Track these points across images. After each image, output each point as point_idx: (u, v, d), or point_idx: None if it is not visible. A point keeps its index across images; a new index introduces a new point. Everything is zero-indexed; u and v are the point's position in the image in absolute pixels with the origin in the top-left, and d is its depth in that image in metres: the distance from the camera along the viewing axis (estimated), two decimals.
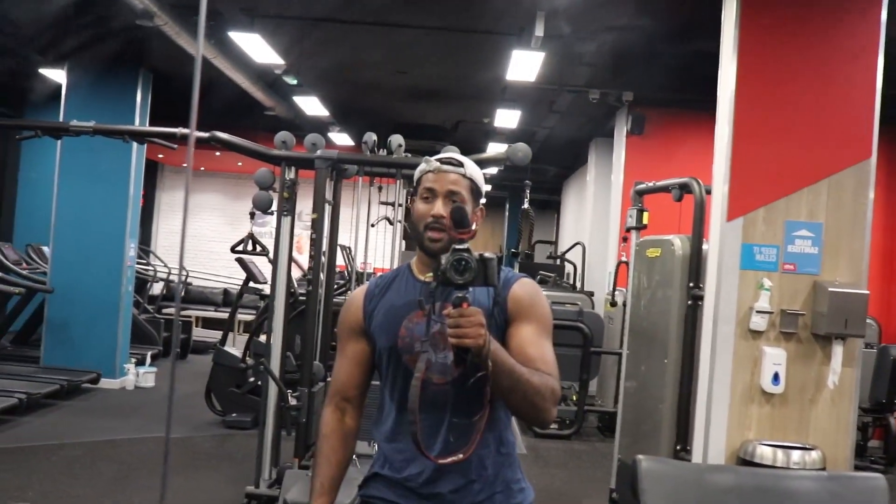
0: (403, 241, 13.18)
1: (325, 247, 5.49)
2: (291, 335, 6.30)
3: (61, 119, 8.86)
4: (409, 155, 5.79)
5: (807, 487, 2.69)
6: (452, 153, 2.29)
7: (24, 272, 9.37)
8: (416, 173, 2.25)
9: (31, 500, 5.34)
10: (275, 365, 5.47)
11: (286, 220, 5.39)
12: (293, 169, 5.40)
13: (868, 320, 8.72)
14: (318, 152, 5.26)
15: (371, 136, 5.57)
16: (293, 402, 5.18)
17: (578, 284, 11.56)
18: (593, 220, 11.51)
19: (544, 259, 15.34)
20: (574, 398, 8.54)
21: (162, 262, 13.68)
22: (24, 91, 11.29)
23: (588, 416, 8.79)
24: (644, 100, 9.40)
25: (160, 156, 15.74)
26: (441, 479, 2.15)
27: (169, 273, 13.48)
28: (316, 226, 5.22)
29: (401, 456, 2.20)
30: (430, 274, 2.06)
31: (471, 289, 1.97)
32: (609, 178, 10.39)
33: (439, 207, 2.16)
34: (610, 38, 7.86)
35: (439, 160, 2.22)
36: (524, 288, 2.20)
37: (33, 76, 10.24)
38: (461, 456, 2.09)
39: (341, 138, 13.13)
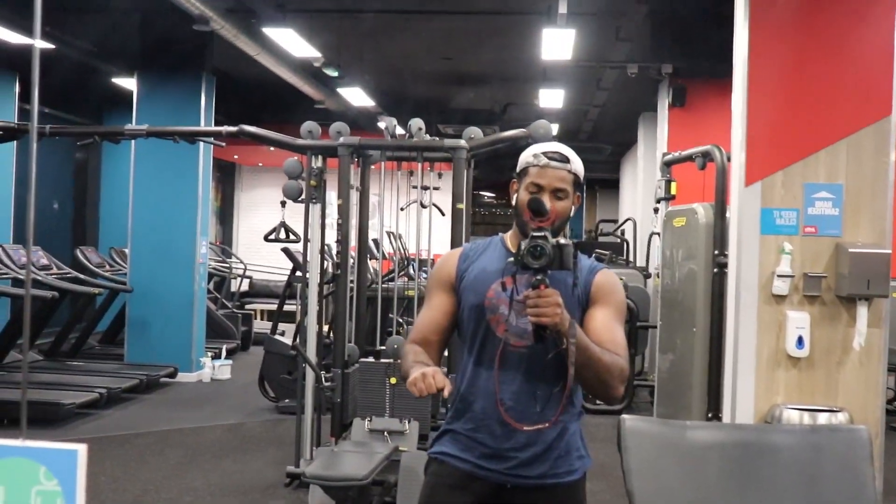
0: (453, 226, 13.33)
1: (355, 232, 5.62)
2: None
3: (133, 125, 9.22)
4: (436, 138, 5.87)
5: (789, 441, 2.71)
6: (559, 147, 2.38)
7: (107, 274, 9.75)
8: (522, 163, 2.37)
9: (102, 484, 5.62)
10: (311, 348, 5.64)
11: (315, 208, 5.54)
12: (320, 157, 5.54)
13: None
14: (341, 140, 5.39)
15: (391, 121, 5.68)
16: (328, 384, 5.33)
17: (633, 260, 11.53)
18: (644, 195, 11.46)
19: (602, 238, 15.29)
20: None
21: (239, 259, 14.02)
22: (99, 100, 11.82)
23: (639, 390, 8.79)
24: (684, 72, 9.31)
25: (235, 157, 16.14)
26: (509, 436, 2.29)
27: (245, 269, 13.82)
28: (342, 211, 5.35)
29: (473, 410, 2.34)
30: (511, 258, 2.22)
31: (550, 272, 2.13)
32: (656, 153, 10.31)
33: (526, 210, 2.28)
34: (643, 12, 7.83)
35: (547, 154, 2.33)
36: (606, 277, 2.40)
37: (106, 85, 10.67)
38: (547, 424, 2.26)
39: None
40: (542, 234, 2.14)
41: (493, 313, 2.33)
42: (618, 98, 11.60)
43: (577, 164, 2.36)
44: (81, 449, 1.19)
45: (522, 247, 2.14)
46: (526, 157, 2.38)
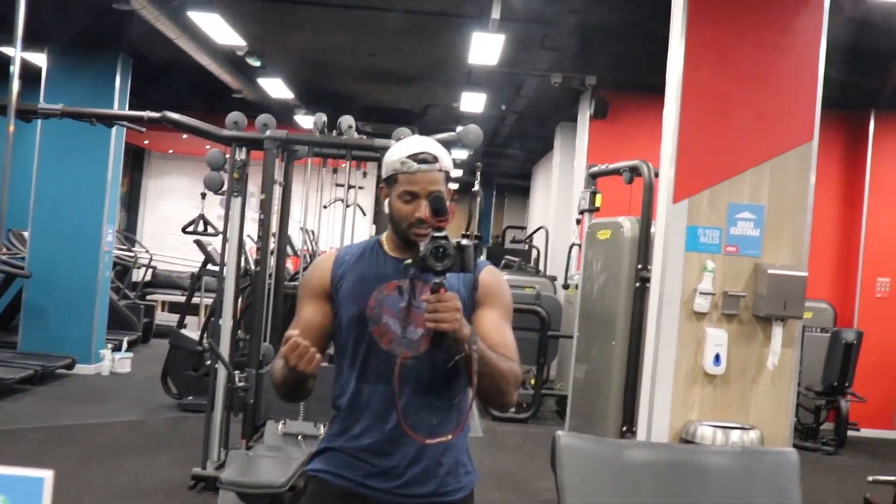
0: (374, 225, 13.22)
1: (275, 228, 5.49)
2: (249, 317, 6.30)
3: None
4: (364, 136, 5.78)
5: (720, 462, 2.73)
6: (424, 145, 2.21)
7: (3, 257, 9.31)
8: (389, 169, 2.20)
9: None
10: (225, 346, 5.48)
11: (236, 201, 5.38)
12: (244, 150, 5.39)
13: (823, 304, 8.85)
14: (268, 132, 5.25)
15: (321, 117, 5.57)
16: (241, 383, 5.18)
17: (543, 268, 11.62)
18: (558, 204, 11.57)
19: (511, 244, 15.40)
20: (532, 382, 8.59)
21: (144, 248, 13.62)
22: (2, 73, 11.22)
23: (546, 399, 8.85)
24: (607, 84, 9.42)
25: (146, 142, 15.68)
26: (396, 452, 2.16)
27: (150, 259, 13.40)
28: (264, 207, 5.22)
29: (358, 426, 2.19)
30: (409, 260, 2.08)
31: (447, 274, 2.02)
32: (573, 163, 10.42)
33: (425, 210, 2.13)
34: (571, 22, 7.88)
35: (415, 158, 2.16)
36: (491, 275, 2.27)
37: (3, 58, 10.16)
38: (449, 437, 2.15)
39: (309, 122, 13.11)
40: (444, 234, 2.03)
41: (377, 324, 2.18)
42: (536, 106, 11.67)
43: (447, 161, 2.21)
44: (48, 476, 1.08)
45: (422, 249, 2.02)
46: (392, 162, 2.19)
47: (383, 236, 2.31)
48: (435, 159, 2.18)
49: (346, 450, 2.19)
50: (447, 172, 2.22)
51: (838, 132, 9.46)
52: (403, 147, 2.21)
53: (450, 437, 2.15)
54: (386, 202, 2.23)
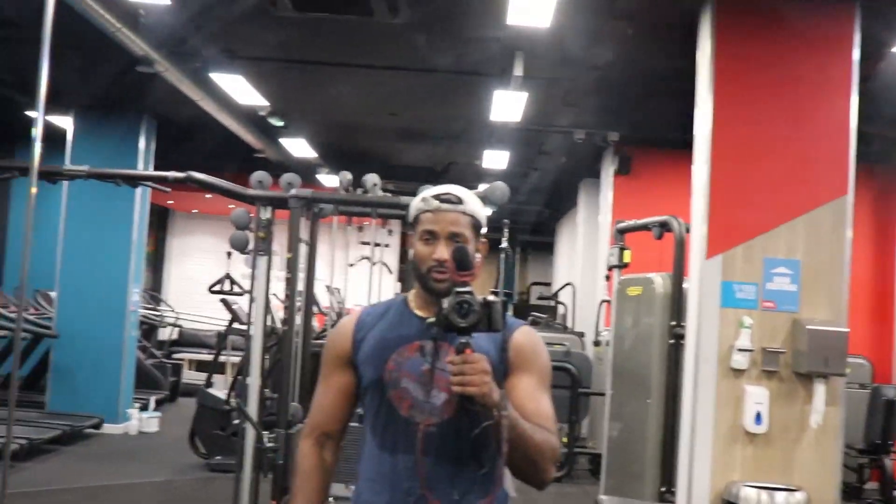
0: (399, 283, 13.15)
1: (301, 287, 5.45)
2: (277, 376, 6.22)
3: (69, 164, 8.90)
4: (389, 194, 5.76)
5: None
6: (451, 188, 2.13)
7: (31, 317, 9.32)
8: (413, 210, 2.13)
9: None
10: (253, 406, 5.40)
11: (262, 260, 5.34)
12: (269, 209, 5.36)
13: (860, 360, 8.67)
14: (293, 191, 5.23)
15: (346, 175, 5.54)
16: (270, 443, 5.09)
17: (570, 325, 11.50)
18: (583, 260, 11.47)
19: (537, 301, 15.30)
20: (564, 440, 8.43)
21: (169, 307, 13.62)
22: (25, 135, 11.33)
23: (579, 458, 8.68)
24: (630, 139, 9.39)
25: (170, 202, 15.81)
26: None
27: (177, 318, 13.40)
28: (290, 265, 5.17)
29: (379, 499, 2.05)
30: (432, 318, 1.95)
31: (474, 334, 1.88)
32: (598, 219, 10.36)
33: (442, 251, 2.03)
34: (593, 78, 7.86)
35: (437, 197, 2.09)
36: (526, 336, 2.11)
37: (22, 119, 10.26)
38: None
39: (331, 180, 13.16)
40: (468, 289, 1.89)
41: (395, 388, 2.05)
42: (558, 163, 11.65)
43: (474, 205, 2.11)
44: None
45: (445, 305, 1.87)
46: (416, 203, 2.13)
47: (411, 293, 2.19)
48: (459, 200, 2.09)
49: None
50: (473, 218, 2.10)
51: (868, 186, 9.36)
52: (431, 189, 2.15)
53: None
54: (411, 251, 2.14)
